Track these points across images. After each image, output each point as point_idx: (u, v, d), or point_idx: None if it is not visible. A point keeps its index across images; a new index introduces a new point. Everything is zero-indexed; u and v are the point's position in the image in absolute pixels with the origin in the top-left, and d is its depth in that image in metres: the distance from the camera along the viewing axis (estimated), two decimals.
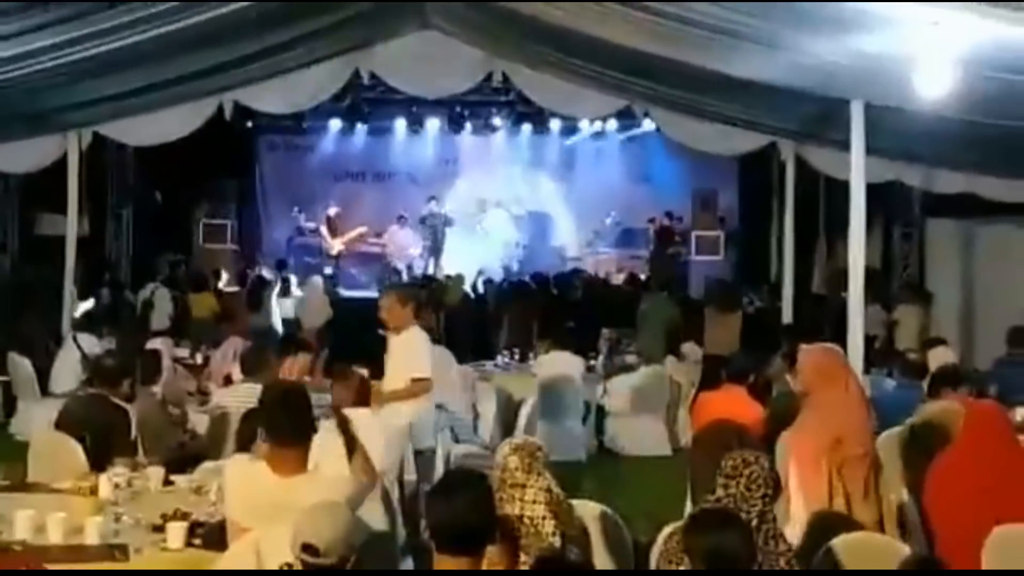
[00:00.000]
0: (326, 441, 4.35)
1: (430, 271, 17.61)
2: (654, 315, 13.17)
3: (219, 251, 18.32)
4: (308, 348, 8.07)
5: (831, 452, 4.83)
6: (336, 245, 18.31)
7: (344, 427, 4.55)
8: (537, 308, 13.85)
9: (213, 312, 14.06)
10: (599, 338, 12.01)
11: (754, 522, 4.00)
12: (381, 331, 12.60)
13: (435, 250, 18.27)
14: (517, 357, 11.84)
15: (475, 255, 18.17)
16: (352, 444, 4.40)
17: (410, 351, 6.88)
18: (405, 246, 18.49)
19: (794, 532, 4.67)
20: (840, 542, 4.46)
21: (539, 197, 19.43)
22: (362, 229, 18.57)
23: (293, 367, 7.45)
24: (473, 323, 14.35)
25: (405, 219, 18.57)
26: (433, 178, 19.46)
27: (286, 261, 17.12)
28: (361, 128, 19.10)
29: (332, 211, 18.50)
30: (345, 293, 16.73)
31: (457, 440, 8.62)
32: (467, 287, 15.78)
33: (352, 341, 11.91)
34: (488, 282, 16.06)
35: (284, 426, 4.18)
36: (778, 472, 4.28)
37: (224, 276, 16.78)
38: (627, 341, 12.25)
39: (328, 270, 17.56)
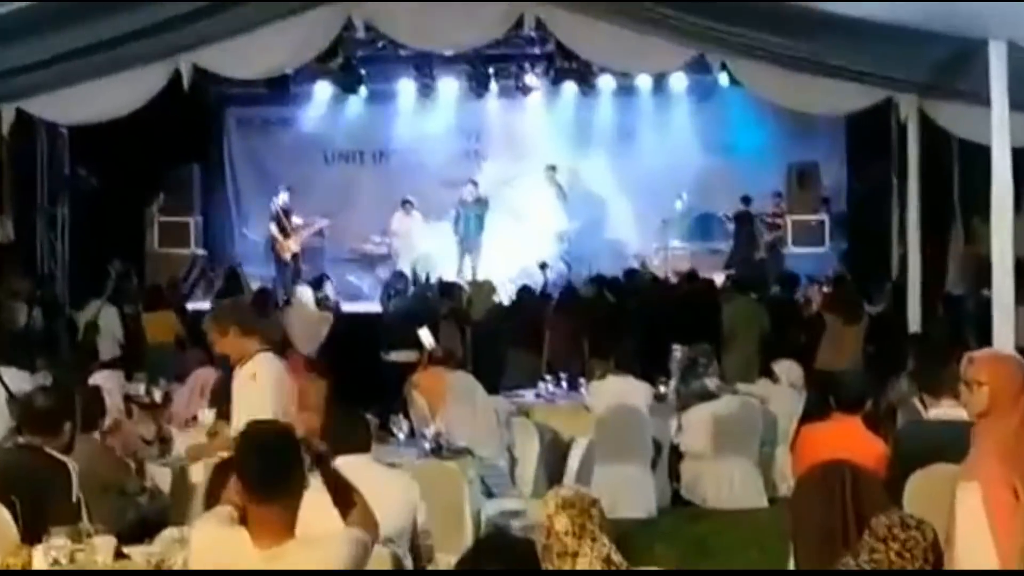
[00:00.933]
0: (316, 499, 4.35)
1: (465, 275, 17.61)
2: (740, 326, 13.26)
3: (180, 257, 18.37)
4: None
5: None
6: (290, 246, 18.21)
7: (322, 465, 4.51)
8: (589, 320, 13.86)
9: (175, 335, 14.10)
10: (670, 357, 11.95)
11: None
12: (386, 354, 12.80)
13: (472, 249, 18.30)
14: (565, 384, 11.82)
15: (509, 254, 18.26)
16: (340, 490, 4.40)
17: (250, 388, 6.75)
18: (415, 241, 18.48)
19: None
20: None
21: (589, 178, 19.38)
22: (323, 222, 18.58)
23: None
24: (507, 342, 14.29)
25: (411, 204, 18.56)
26: (451, 157, 19.52)
27: (236, 269, 17.16)
28: (356, 96, 19.11)
29: (281, 199, 18.37)
30: (344, 307, 16.76)
31: (489, 494, 8.63)
32: (498, 296, 15.79)
33: (355, 371, 11.98)
34: (525, 289, 15.88)
35: (265, 478, 4.15)
36: (940, 545, 4.30)
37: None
38: (706, 360, 12.16)
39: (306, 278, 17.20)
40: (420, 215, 18.69)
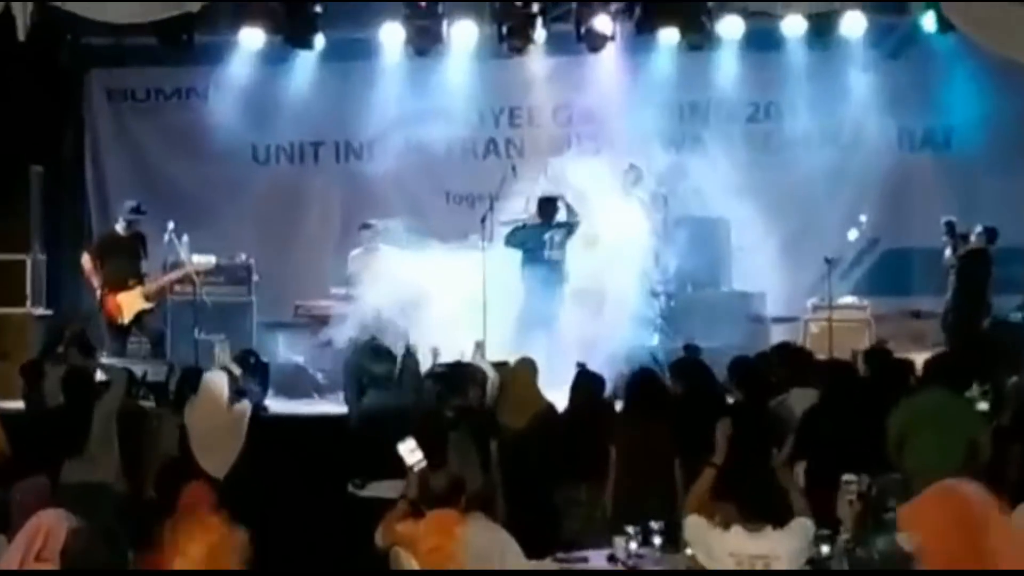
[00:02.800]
0: None
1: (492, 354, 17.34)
2: (944, 441, 13.26)
3: (9, 318, 18.90)
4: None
5: None
6: (132, 305, 18.41)
7: None
8: (697, 430, 13.51)
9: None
10: (838, 495, 12.20)
11: None
12: (355, 487, 12.42)
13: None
14: (657, 537, 11.79)
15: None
16: None
17: None
18: (394, 294, 18.43)
19: None
20: None
21: (698, 187, 19.64)
22: (185, 270, 18.88)
23: None
24: (561, 465, 14.26)
25: (372, 230, 18.98)
26: (467, 152, 20.15)
27: (85, 337, 17.05)
28: (309, 51, 19.58)
29: (120, 224, 18.77)
30: (281, 406, 16.87)
31: None
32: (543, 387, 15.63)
33: (299, 516, 11.55)
34: (587, 376, 15.89)
35: None
36: None
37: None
38: (899, 501, 11.67)
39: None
40: (393, 249, 18.91)
